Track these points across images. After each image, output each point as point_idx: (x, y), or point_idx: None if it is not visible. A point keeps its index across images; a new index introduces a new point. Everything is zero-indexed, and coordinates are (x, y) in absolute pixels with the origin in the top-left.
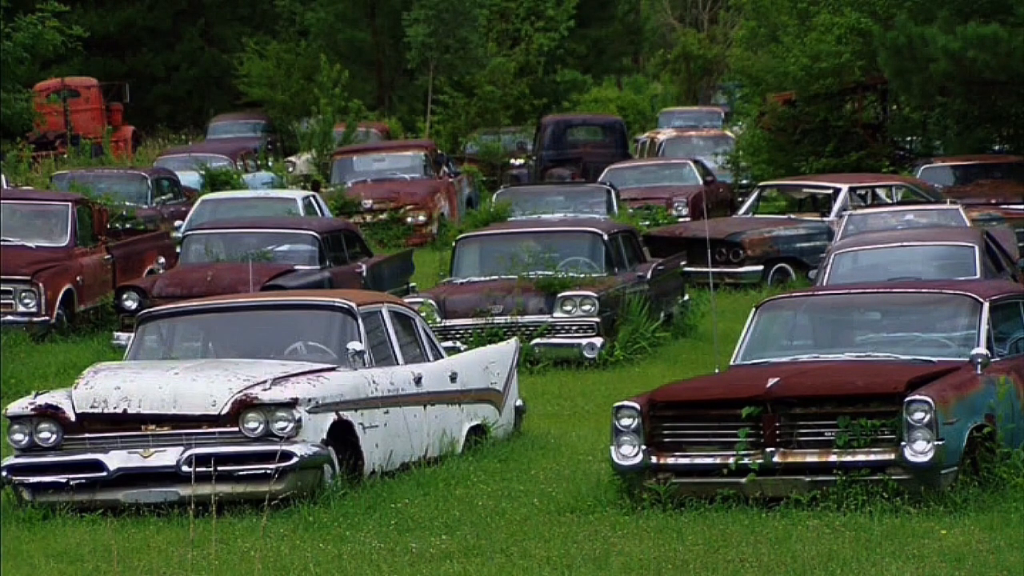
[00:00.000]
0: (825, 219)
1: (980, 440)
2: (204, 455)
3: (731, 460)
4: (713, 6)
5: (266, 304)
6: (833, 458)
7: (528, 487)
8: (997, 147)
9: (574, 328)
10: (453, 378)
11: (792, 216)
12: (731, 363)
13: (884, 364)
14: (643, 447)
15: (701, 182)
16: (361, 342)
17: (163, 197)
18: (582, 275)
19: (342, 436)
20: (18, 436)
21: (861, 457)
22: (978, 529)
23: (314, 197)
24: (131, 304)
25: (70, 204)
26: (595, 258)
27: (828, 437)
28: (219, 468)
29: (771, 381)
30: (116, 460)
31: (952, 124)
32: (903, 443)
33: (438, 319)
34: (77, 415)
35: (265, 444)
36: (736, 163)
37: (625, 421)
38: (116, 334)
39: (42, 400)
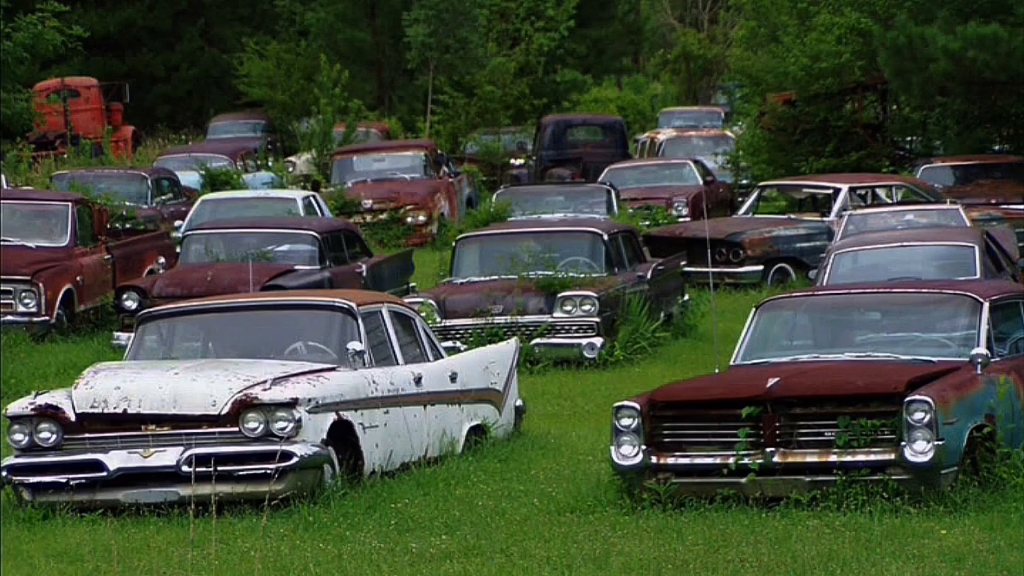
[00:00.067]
0: (825, 219)
1: (980, 440)
2: (204, 455)
3: (731, 460)
4: (713, 6)
5: (266, 304)
6: (833, 458)
7: (528, 487)
8: (997, 147)
9: (574, 328)
10: (453, 378)
11: (792, 216)
12: (731, 363)
13: (884, 364)
14: (643, 447)
15: (701, 182)
16: (361, 342)
17: (163, 197)
18: (582, 275)
19: (342, 436)
20: (18, 436)
21: (861, 457)
22: (978, 529)
23: (314, 197)
24: (131, 304)
25: (70, 204)
26: (595, 258)
27: (828, 437)
28: (219, 468)
29: (771, 381)
30: (116, 460)
31: (952, 124)
32: (903, 443)
33: (438, 319)
34: (77, 415)
35: (265, 444)
36: (736, 163)
37: (625, 421)
38: (116, 334)
39: (42, 400)
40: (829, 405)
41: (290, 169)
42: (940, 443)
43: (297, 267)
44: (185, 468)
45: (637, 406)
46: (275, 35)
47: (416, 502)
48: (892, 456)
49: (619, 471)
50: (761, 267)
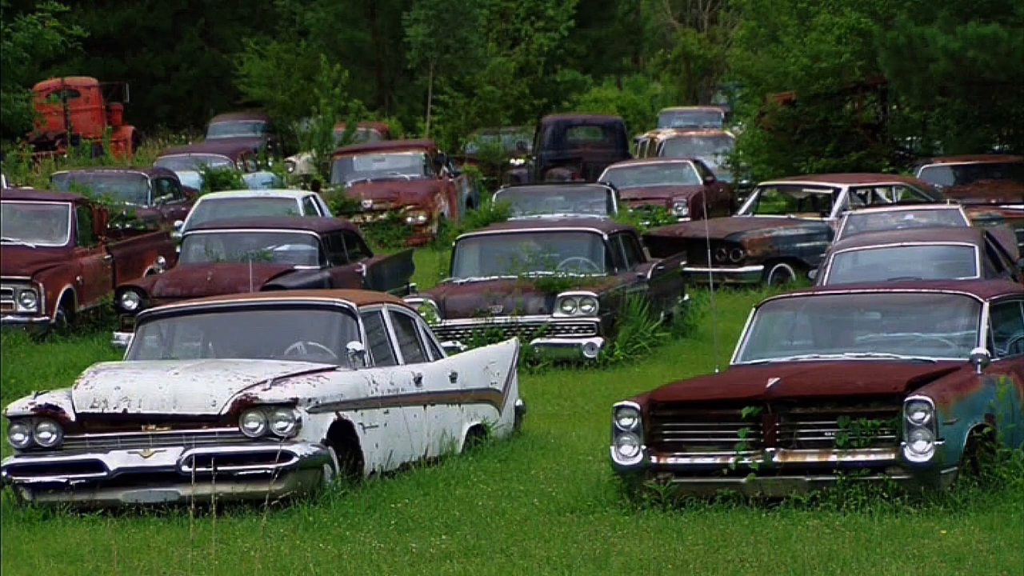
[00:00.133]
0: (825, 219)
1: (980, 440)
2: (204, 455)
3: (731, 460)
4: (713, 6)
5: (266, 304)
6: (833, 458)
7: (528, 487)
8: (997, 147)
9: (574, 328)
10: (453, 378)
11: (792, 216)
12: (731, 363)
13: (884, 364)
14: (643, 447)
15: (701, 182)
16: (361, 342)
17: (163, 197)
18: (582, 275)
19: (342, 436)
20: (18, 436)
21: (861, 457)
22: (978, 529)
23: (314, 197)
24: (131, 304)
25: (70, 204)
26: (595, 258)
27: (828, 437)
28: (219, 468)
29: (771, 381)
30: (116, 460)
31: (952, 124)
32: (903, 443)
33: (438, 319)
34: (77, 415)
35: (265, 444)
36: (736, 163)
37: (625, 421)
38: (116, 334)
39: (42, 400)
40: (829, 405)
41: (290, 169)
42: (940, 443)
43: (297, 267)
44: (185, 468)
45: (637, 406)
46: (275, 35)
47: (416, 502)
48: (892, 456)
49: (619, 471)
50: (761, 267)
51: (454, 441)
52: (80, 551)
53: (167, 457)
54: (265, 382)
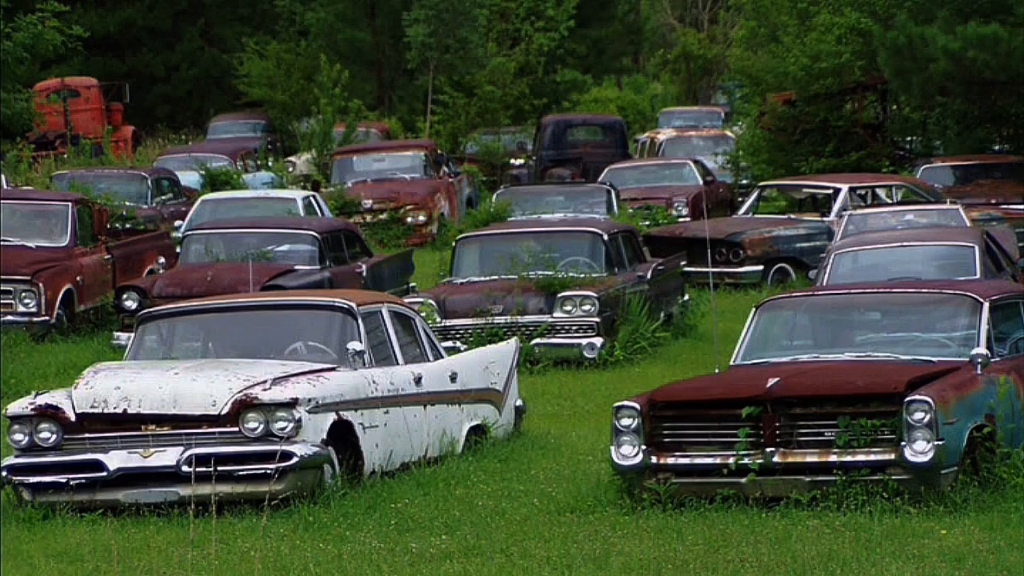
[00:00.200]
0: (825, 219)
1: (980, 440)
2: (204, 455)
3: (731, 460)
4: (713, 6)
5: (266, 304)
6: (833, 458)
7: (528, 487)
8: (997, 147)
9: (574, 328)
10: (453, 378)
11: (792, 216)
12: (731, 363)
13: (884, 364)
14: (643, 447)
15: (701, 182)
16: (361, 342)
17: (163, 197)
18: (582, 275)
19: (342, 436)
20: (18, 436)
21: (861, 457)
22: (978, 529)
23: (314, 197)
24: (131, 304)
25: (70, 204)
26: (595, 258)
27: (828, 437)
28: (219, 468)
29: (771, 381)
30: (116, 460)
31: (952, 124)
32: (903, 443)
33: (438, 319)
34: (77, 415)
35: (265, 444)
36: (736, 163)
37: (625, 421)
38: (116, 334)
39: (42, 400)
40: (829, 405)
41: (290, 169)
42: (940, 443)
43: (297, 267)
44: (185, 468)
45: (637, 406)
46: (275, 35)
47: (416, 502)
48: (892, 456)
49: (619, 471)
50: (761, 267)
51: (454, 441)
52: (80, 551)
53: (167, 457)
54: (265, 382)
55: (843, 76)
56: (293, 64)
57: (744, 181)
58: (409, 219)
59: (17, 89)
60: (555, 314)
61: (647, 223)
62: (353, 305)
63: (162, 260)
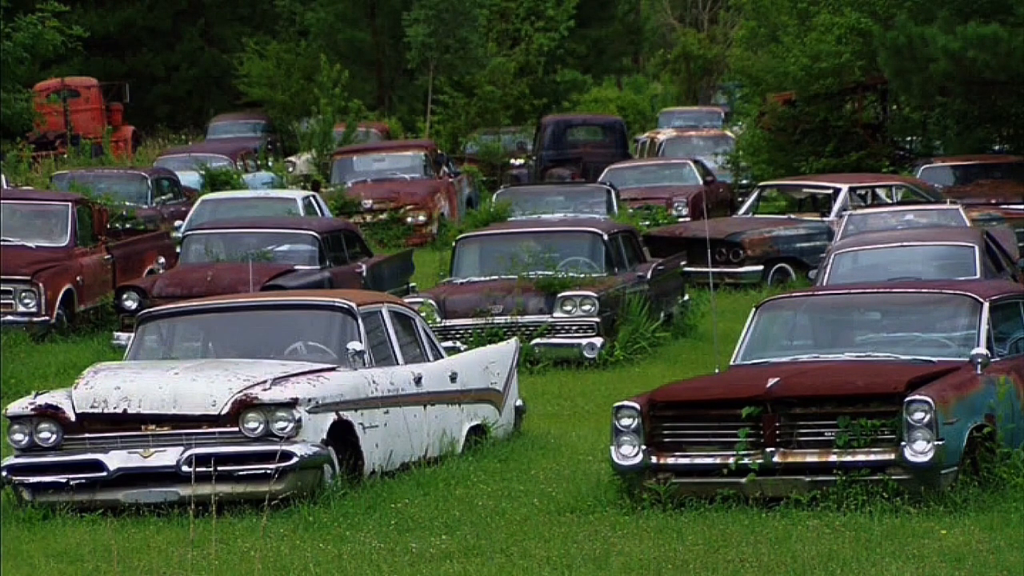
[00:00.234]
0: (825, 219)
1: (980, 440)
2: (204, 455)
3: (731, 460)
4: (713, 6)
5: (266, 304)
6: (833, 458)
7: (528, 487)
8: (997, 147)
9: (574, 328)
10: (453, 378)
11: (792, 216)
12: (731, 363)
13: (884, 364)
14: (643, 447)
15: (701, 182)
16: (361, 342)
17: (163, 197)
18: (582, 275)
19: (342, 436)
20: (18, 436)
21: (861, 457)
22: (978, 529)
23: (314, 197)
24: (131, 304)
25: (70, 204)
26: (595, 258)
27: (828, 437)
28: (219, 468)
29: (771, 381)
30: (116, 460)
31: (952, 124)
32: (903, 443)
33: (438, 319)
34: (77, 415)
35: (265, 444)
36: (736, 163)
37: (625, 421)
38: (116, 334)
39: (42, 400)
40: (829, 405)
41: (290, 169)
42: (940, 443)
43: (297, 267)
44: (185, 468)
45: (637, 406)
46: (275, 35)
47: (416, 502)
48: (892, 456)
49: (619, 471)
50: (761, 267)
51: (454, 441)
52: (80, 551)
53: (167, 457)
54: (265, 382)
55: (843, 76)
56: (293, 64)
57: (744, 181)
58: (409, 219)
59: (17, 89)
60: (555, 314)
61: (647, 223)
62: (353, 305)
63: (162, 260)
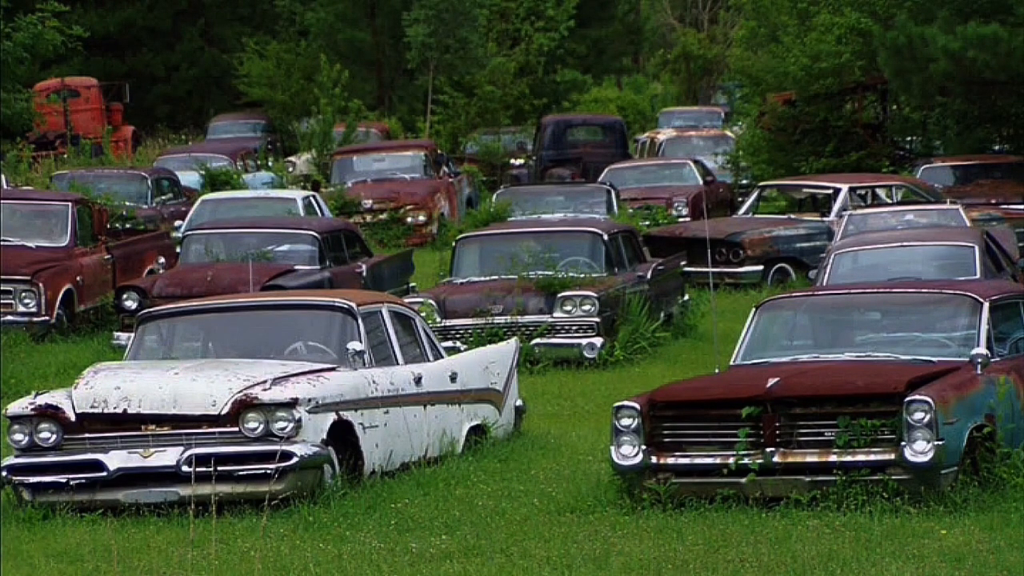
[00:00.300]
0: (825, 219)
1: (980, 440)
2: (204, 455)
3: (731, 460)
4: (713, 6)
5: (266, 304)
6: (833, 458)
7: (528, 487)
8: (997, 147)
9: (574, 328)
10: (453, 378)
11: (792, 216)
12: (731, 363)
13: (884, 364)
14: (643, 447)
15: (701, 182)
16: (361, 342)
17: (163, 197)
18: (582, 275)
19: (342, 436)
20: (18, 436)
21: (861, 457)
22: (978, 529)
23: (314, 197)
24: (131, 304)
25: (70, 204)
26: (595, 258)
27: (828, 437)
28: (219, 468)
29: (771, 381)
30: (116, 460)
31: (952, 124)
32: (903, 443)
33: (438, 319)
34: (77, 415)
35: (265, 444)
36: (736, 163)
37: (625, 421)
38: (116, 334)
39: (42, 400)
40: (829, 405)
41: (290, 169)
42: (940, 443)
43: (297, 267)
44: (185, 468)
45: (637, 406)
46: (275, 35)
47: (416, 502)
48: (892, 456)
49: (619, 471)
50: (761, 267)
51: (454, 441)
52: (80, 551)
53: (167, 457)
54: (265, 382)
55: (843, 76)
56: (293, 64)
57: (744, 181)
58: (409, 219)
59: (17, 89)
60: (555, 314)
61: (647, 223)
62: (353, 305)
63: (162, 260)
